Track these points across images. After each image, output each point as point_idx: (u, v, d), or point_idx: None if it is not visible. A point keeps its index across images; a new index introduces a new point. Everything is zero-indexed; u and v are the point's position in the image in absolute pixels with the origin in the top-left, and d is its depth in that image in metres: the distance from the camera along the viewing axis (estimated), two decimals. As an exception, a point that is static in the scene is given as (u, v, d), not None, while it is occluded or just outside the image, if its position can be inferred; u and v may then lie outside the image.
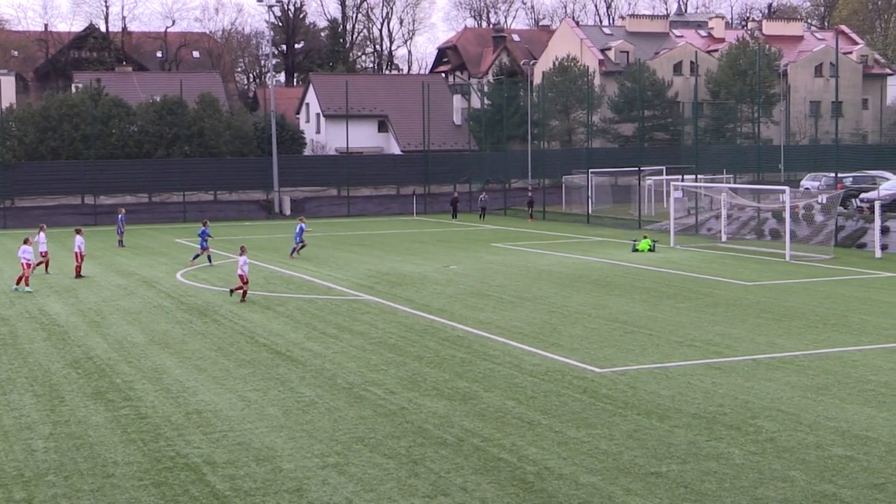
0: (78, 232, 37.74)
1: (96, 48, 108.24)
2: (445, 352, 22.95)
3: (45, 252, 38.00)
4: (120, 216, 49.32)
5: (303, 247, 43.15)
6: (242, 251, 31.23)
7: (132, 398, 19.06)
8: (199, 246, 40.38)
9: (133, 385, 20.10)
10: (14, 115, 68.63)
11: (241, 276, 30.66)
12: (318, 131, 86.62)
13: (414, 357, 22.42)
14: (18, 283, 33.56)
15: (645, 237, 45.10)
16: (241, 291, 30.67)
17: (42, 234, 38.72)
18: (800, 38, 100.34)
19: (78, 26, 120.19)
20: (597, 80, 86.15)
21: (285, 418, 17.52)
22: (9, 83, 76.29)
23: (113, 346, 24.21)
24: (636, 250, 43.41)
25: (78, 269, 36.89)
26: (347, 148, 75.76)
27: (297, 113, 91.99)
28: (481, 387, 19.55)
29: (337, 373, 20.95)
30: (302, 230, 43.14)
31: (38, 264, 35.86)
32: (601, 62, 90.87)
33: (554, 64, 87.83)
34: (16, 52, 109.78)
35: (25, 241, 34.53)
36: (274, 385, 19.94)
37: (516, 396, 18.78)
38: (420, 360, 22.04)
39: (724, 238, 47.84)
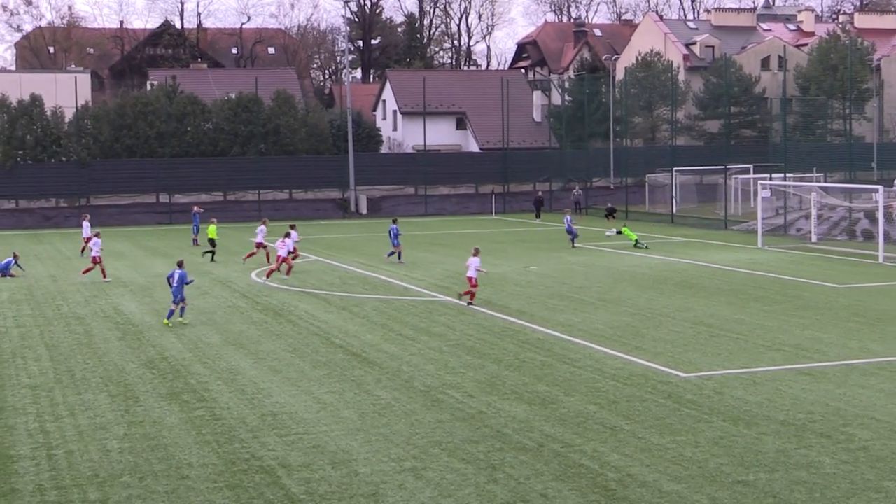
0: (292, 227, 38.47)
1: (171, 45, 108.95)
2: (525, 354, 22.64)
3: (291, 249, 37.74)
4: (195, 213, 49.31)
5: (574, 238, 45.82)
6: (475, 253, 29.91)
7: (207, 399, 18.98)
8: (391, 244, 40.50)
9: (208, 386, 20.04)
10: (89, 113, 69.26)
11: (469, 279, 29.55)
12: (394, 129, 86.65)
13: (492, 360, 22.13)
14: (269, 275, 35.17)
15: (625, 226, 47.42)
16: (468, 294, 29.60)
17: (264, 227, 41.12)
18: (893, 32, 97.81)
19: (153, 23, 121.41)
20: (681, 76, 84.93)
21: (361, 421, 17.32)
22: (84, 81, 77.08)
23: (187, 346, 24.22)
24: (635, 240, 45.14)
25: (270, 271, 35.97)
26: (425, 146, 75.67)
27: (374, 110, 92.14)
28: (562, 391, 19.23)
29: (414, 375, 20.71)
30: (570, 222, 46.54)
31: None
32: (686, 57, 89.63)
33: (637, 59, 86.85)
34: (91, 50, 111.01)
35: (286, 235, 36.13)
36: (350, 387, 19.75)
37: (598, 401, 18.44)
38: (499, 363, 21.75)
39: (813, 239, 46.83)
